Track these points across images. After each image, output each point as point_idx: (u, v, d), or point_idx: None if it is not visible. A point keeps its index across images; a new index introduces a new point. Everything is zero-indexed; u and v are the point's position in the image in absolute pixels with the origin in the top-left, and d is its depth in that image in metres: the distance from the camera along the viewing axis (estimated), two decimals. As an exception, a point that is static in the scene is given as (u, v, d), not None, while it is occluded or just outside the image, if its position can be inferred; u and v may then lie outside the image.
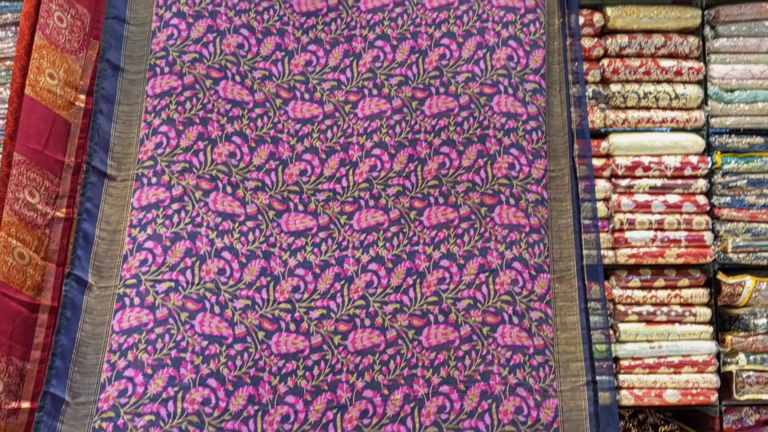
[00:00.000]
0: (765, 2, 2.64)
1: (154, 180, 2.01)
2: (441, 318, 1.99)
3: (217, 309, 1.92)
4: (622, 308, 2.73)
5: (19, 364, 1.98)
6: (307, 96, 2.17)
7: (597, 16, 2.61)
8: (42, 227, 2.03)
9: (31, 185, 2.02)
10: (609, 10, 2.62)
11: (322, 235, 2.06)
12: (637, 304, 2.73)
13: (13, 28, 2.33)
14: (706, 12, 2.77)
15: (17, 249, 1.98)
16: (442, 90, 2.14)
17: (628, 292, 2.72)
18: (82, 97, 2.14)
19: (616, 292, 2.72)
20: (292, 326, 1.97)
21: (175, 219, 1.98)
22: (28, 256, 2.00)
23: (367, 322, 1.98)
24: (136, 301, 1.89)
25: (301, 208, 2.08)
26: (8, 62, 2.31)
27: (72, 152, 2.10)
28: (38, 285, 2.02)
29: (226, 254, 1.98)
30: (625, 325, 2.73)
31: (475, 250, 2.03)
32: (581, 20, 2.58)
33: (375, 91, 2.17)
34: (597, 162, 2.63)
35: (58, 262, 2.05)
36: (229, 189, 2.04)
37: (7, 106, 2.14)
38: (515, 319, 1.98)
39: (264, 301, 1.97)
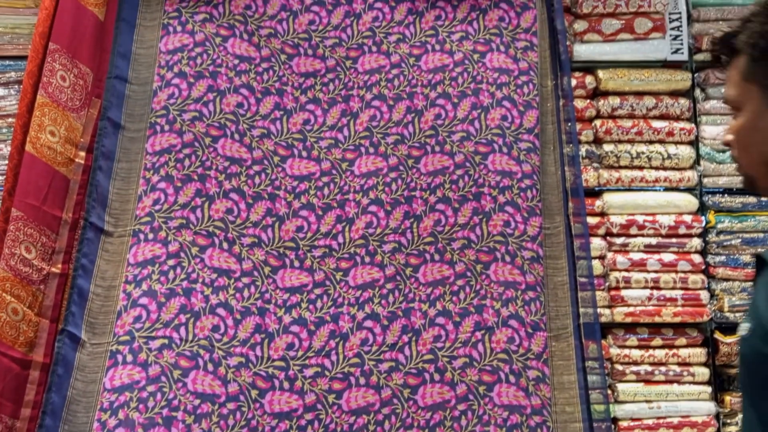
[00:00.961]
0: None
1: (150, 236, 2.02)
2: (437, 377, 1.97)
3: (210, 366, 1.90)
4: (620, 367, 2.70)
5: (8, 422, 1.95)
6: (304, 154, 2.20)
7: (589, 79, 2.67)
8: (37, 283, 2.03)
9: (27, 241, 2.02)
10: (600, 73, 2.68)
11: (317, 291, 2.06)
12: (635, 363, 2.71)
13: (16, 86, 2.37)
14: (696, 75, 2.84)
15: (11, 305, 1.97)
16: (437, 148, 2.17)
17: (626, 351, 2.70)
18: (82, 153, 2.16)
19: (614, 351, 2.70)
20: (286, 384, 1.94)
21: (171, 275, 1.98)
22: (21, 312, 1.99)
23: (362, 381, 1.96)
24: (129, 358, 1.87)
25: (297, 264, 2.08)
26: (10, 119, 2.35)
27: (70, 208, 2.11)
28: (31, 341, 2.00)
29: (220, 311, 1.97)
30: (623, 385, 2.70)
31: (470, 307, 2.02)
32: (574, 82, 2.64)
33: (371, 150, 2.20)
34: (592, 220, 2.65)
35: (51, 318, 2.03)
36: (225, 245, 2.05)
37: (7, 162, 2.15)
38: (512, 378, 1.96)
39: (258, 359, 1.95)
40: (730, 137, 1.17)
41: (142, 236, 2.02)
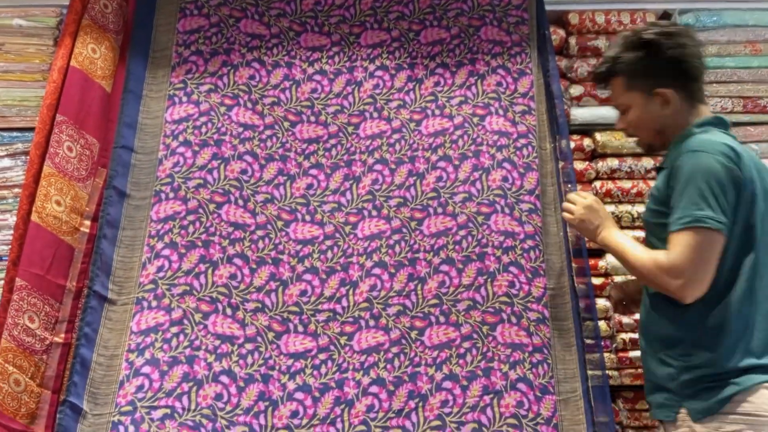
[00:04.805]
0: (750, 126, 2.75)
1: (154, 303, 2.01)
2: (445, 443, 1.92)
3: (213, 436, 1.87)
4: (631, 432, 2.64)
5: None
6: (308, 218, 2.21)
7: (587, 141, 2.70)
8: (39, 353, 2.01)
9: (31, 310, 2.02)
10: (598, 136, 2.71)
11: (321, 356, 2.03)
12: (646, 428, 2.65)
13: (23, 157, 2.40)
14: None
15: (13, 375, 1.95)
16: (440, 210, 2.19)
17: (637, 414, 2.64)
18: (87, 222, 2.17)
19: (625, 415, 2.64)
20: None
21: (174, 343, 1.96)
22: (23, 383, 1.96)
23: (369, 449, 1.92)
24: (131, 429, 1.84)
25: (300, 329, 2.07)
26: (16, 189, 2.37)
27: (74, 277, 2.11)
28: (32, 413, 1.97)
29: (223, 378, 1.94)
30: (635, 450, 2.63)
31: (478, 370, 1.99)
32: (572, 144, 2.67)
33: (374, 213, 2.21)
34: (596, 281, 2.64)
35: (53, 389, 2.01)
36: (229, 311, 2.04)
37: (12, 231, 2.16)
38: (522, 443, 1.92)
39: (261, 428, 1.91)
40: (623, 125, 1.90)
41: (145, 304, 2.02)
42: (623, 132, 1.95)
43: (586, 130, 2.74)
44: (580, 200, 2.00)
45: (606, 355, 2.64)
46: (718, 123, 1.81)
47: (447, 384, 1.98)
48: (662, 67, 1.80)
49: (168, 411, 1.87)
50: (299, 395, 1.97)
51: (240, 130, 2.27)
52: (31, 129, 2.35)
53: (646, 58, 1.81)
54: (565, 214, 2.02)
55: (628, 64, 1.83)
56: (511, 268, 2.10)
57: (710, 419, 1.64)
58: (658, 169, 1.84)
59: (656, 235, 1.79)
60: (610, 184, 2.68)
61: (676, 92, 1.80)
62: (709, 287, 1.66)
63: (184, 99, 2.29)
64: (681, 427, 1.69)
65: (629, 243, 1.83)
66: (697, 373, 1.67)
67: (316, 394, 1.98)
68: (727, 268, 1.67)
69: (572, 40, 2.71)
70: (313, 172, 2.28)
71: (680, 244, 1.64)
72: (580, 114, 2.70)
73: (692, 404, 1.67)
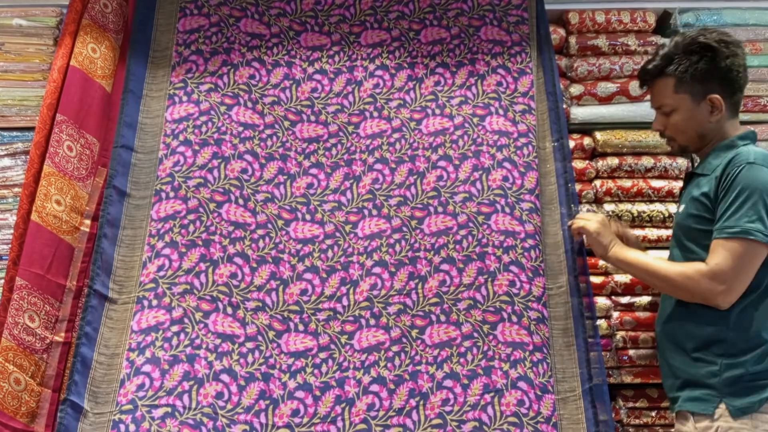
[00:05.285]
0: (750, 125, 2.76)
1: (154, 302, 2.01)
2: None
3: (214, 435, 1.87)
4: (632, 430, 2.64)
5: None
6: (308, 217, 2.21)
7: (587, 140, 2.70)
8: (40, 352, 2.01)
9: (31, 309, 2.02)
10: (598, 135, 2.71)
11: (322, 355, 2.04)
12: (647, 426, 2.65)
13: (23, 156, 2.40)
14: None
15: (14, 374, 1.95)
16: (440, 209, 2.19)
17: (637, 413, 2.64)
18: (87, 222, 2.17)
19: (625, 413, 2.64)
20: None
21: (174, 342, 1.96)
22: (24, 382, 1.96)
23: (370, 447, 1.92)
24: (132, 428, 1.84)
25: (301, 328, 2.07)
26: (16, 189, 2.37)
27: (74, 276, 2.11)
28: (33, 411, 1.97)
29: (224, 377, 1.95)
30: (635, 449, 2.63)
31: (479, 369, 2.00)
32: (572, 144, 2.67)
33: (375, 212, 2.22)
34: (596, 279, 2.64)
35: (54, 387, 2.01)
36: (229, 310, 2.04)
37: (12, 231, 2.16)
38: (522, 442, 1.92)
39: (263, 426, 1.92)
40: (661, 127, 1.96)
41: (146, 303, 2.02)
42: (658, 133, 2.01)
43: (587, 129, 2.75)
44: (592, 216, 2.08)
45: (606, 353, 2.64)
46: (754, 138, 1.91)
47: (448, 382, 1.98)
48: (717, 74, 1.86)
49: (169, 410, 1.87)
50: (300, 394, 1.98)
51: (240, 129, 2.27)
52: (31, 128, 2.35)
53: (704, 63, 1.86)
54: (582, 223, 2.07)
55: (683, 66, 1.87)
56: (512, 268, 2.11)
57: (749, 417, 1.71)
58: (691, 175, 1.93)
59: (695, 240, 1.86)
60: (610, 183, 2.68)
61: (724, 101, 1.87)
62: (755, 289, 1.74)
63: (185, 98, 2.29)
64: (718, 420, 1.75)
65: (649, 257, 1.92)
66: (741, 371, 1.74)
67: (317, 392, 1.98)
68: None
69: (572, 40, 2.71)
70: (314, 171, 2.28)
71: (726, 251, 1.72)
72: (580, 113, 2.70)
73: (733, 401, 1.74)
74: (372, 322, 2.07)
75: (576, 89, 2.70)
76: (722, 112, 1.88)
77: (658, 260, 1.90)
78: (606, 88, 2.72)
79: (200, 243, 2.10)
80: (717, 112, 1.88)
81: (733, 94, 1.90)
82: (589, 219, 2.06)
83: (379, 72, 2.39)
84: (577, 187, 2.67)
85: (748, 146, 1.84)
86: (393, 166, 2.27)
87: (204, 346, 1.97)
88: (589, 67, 2.71)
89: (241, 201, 2.18)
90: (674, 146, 1.99)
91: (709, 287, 1.74)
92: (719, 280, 1.73)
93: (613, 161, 2.70)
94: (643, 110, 2.71)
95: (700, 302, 1.80)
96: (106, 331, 2.00)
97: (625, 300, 2.70)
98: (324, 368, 2.02)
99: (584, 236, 2.11)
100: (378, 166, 2.28)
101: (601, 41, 2.70)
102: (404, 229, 2.18)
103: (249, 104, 2.31)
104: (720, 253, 1.74)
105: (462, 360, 2.01)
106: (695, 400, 1.82)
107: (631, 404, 2.67)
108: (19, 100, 2.47)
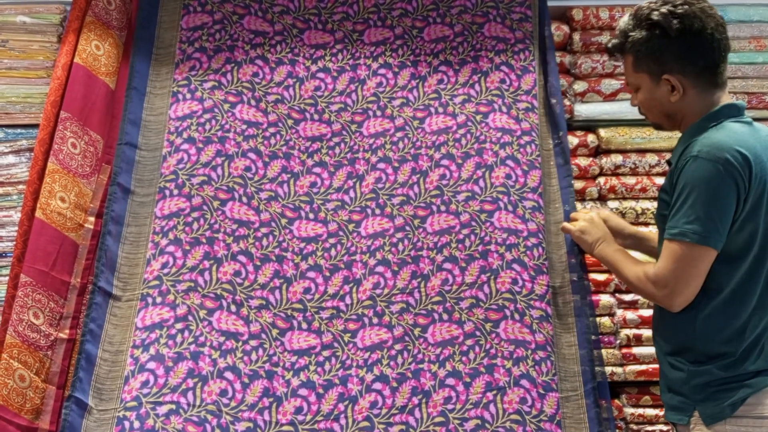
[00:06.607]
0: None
1: (158, 300, 2.02)
2: (448, 439, 1.93)
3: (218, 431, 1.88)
4: (635, 427, 2.65)
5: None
6: (311, 216, 2.22)
7: (591, 137, 2.70)
8: (44, 349, 2.02)
9: (36, 306, 2.03)
10: (602, 132, 2.71)
11: (325, 353, 2.04)
12: (650, 422, 2.65)
13: (27, 153, 2.41)
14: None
15: (18, 371, 1.96)
16: (443, 208, 2.19)
17: (640, 411, 2.65)
18: (92, 219, 2.18)
19: (628, 411, 2.65)
20: None
21: (179, 339, 1.97)
22: (28, 379, 1.97)
23: (372, 445, 1.93)
24: (136, 425, 1.85)
25: (304, 326, 2.07)
26: (20, 186, 2.38)
27: (78, 273, 2.12)
28: (37, 408, 1.98)
29: (228, 374, 1.95)
30: (638, 446, 2.64)
31: (481, 367, 2.00)
32: (576, 141, 2.67)
33: (378, 211, 2.22)
34: (600, 277, 2.64)
35: (58, 384, 2.02)
36: (233, 308, 2.05)
37: (16, 228, 2.17)
38: (524, 440, 1.93)
39: (266, 423, 1.92)
40: (635, 103, 1.82)
41: (150, 300, 2.02)
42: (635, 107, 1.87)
43: (591, 126, 2.74)
44: (582, 215, 2.03)
45: (610, 351, 2.65)
46: (732, 112, 1.69)
47: (450, 381, 1.99)
48: (672, 50, 1.66)
49: (173, 406, 1.88)
50: (303, 391, 1.98)
51: (244, 127, 2.27)
52: (35, 126, 2.36)
53: (654, 41, 1.67)
54: (566, 225, 2.06)
55: (636, 44, 1.70)
56: (515, 266, 2.11)
57: (723, 423, 1.63)
58: (669, 163, 1.78)
59: None
60: (614, 180, 2.68)
61: (687, 79, 1.68)
62: (717, 292, 1.66)
63: (188, 96, 2.30)
64: (693, 430, 1.69)
65: (623, 256, 1.85)
66: (708, 378, 1.66)
67: (320, 390, 1.99)
68: (741, 273, 1.65)
69: (576, 36, 2.71)
70: (317, 170, 2.28)
71: (666, 254, 1.64)
72: (584, 110, 2.70)
73: (705, 408, 1.66)
74: (375, 320, 2.08)
75: (580, 86, 2.70)
76: (681, 92, 1.68)
77: (627, 260, 1.82)
78: (610, 84, 2.72)
79: (204, 241, 2.10)
80: (676, 92, 1.68)
81: (701, 68, 1.66)
82: (576, 218, 2.04)
83: (382, 70, 2.39)
84: (581, 184, 2.67)
85: (710, 131, 1.64)
86: (396, 164, 2.27)
87: (208, 343, 1.98)
88: (593, 64, 2.70)
89: (244, 199, 2.18)
90: (652, 124, 1.85)
91: (653, 291, 1.67)
92: (661, 284, 1.64)
93: (617, 158, 2.70)
94: (648, 107, 2.71)
95: (658, 304, 1.74)
96: (111, 328, 2.01)
97: (628, 297, 2.71)
98: (327, 366, 2.02)
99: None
100: (381, 165, 2.28)
101: (605, 38, 2.69)
102: (407, 228, 2.19)
103: (252, 102, 2.31)
104: (663, 256, 1.65)
105: (464, 358, 2.01)
106: (674, 409, 1.74)
107: (634, 402, 2.68)
108: (23, 97, 2.48)
